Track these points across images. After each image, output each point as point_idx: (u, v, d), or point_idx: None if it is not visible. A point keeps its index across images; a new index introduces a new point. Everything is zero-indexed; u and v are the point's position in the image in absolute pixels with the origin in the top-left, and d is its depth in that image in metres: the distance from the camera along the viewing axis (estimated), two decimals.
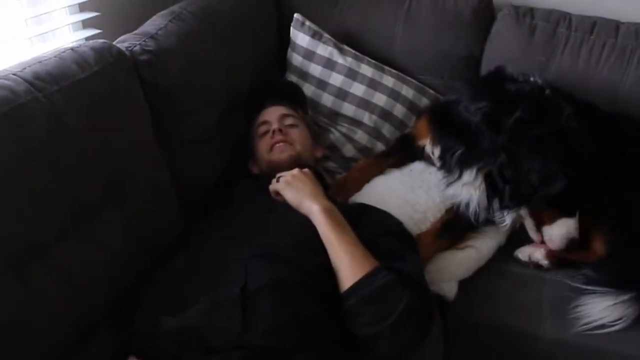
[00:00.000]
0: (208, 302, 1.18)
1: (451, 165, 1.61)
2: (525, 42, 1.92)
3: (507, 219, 1.57)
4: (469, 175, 1.57)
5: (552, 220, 1.57)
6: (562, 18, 1.93)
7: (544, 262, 1.62)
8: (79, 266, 1.28)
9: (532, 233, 1.62)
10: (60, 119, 1.26)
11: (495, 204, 1.57)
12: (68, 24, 1.72)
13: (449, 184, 1.63)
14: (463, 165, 1.58)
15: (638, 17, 1.91)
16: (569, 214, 1.56)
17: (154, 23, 1.66)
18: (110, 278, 1.37)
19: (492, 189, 1.56)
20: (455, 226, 1.64)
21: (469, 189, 1.59)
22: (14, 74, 1.24)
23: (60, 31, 1.72)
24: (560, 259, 1.62)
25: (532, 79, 1.67)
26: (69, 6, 1.71)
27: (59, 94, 1.27)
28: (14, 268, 1.15)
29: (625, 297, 1.49)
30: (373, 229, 1.43)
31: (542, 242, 1.61)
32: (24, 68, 1.28)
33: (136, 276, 1.43)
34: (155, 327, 1.17)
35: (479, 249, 1.64)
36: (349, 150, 1.96)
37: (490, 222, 1.64)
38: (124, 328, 1.26)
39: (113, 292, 1.38)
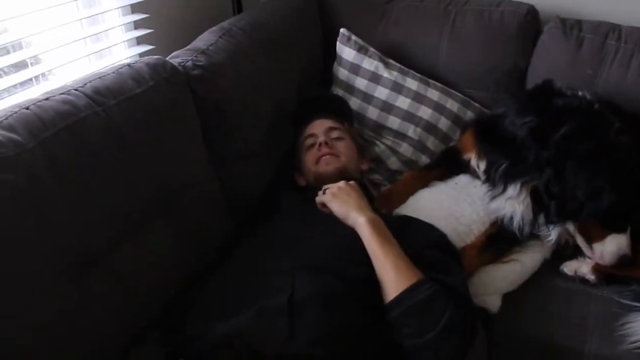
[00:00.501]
0: (256, 310, 1.22)
1: (495, 179, 1.61)
2: (573, 55, 1.89)
3: (553, 234, 1.56)
4: (513, 189, 1.57)
5: (602, 236, 1.53)
6: (611, 30, 1.89)
7: (591, 277, 1.59)
8: (132, 273, 1.34)
9: (585, 249, 1.59)
10: (117, 132, 1.32)
11: (541, 219, 1.56)
12: (124, 41, 1.80)
13: (493, 198, 1.62)
14: (508, 179, 1.58)
15: None
16: (619, 230, 1.52)
17: (205, 39, 1.72)
18: (163, 284, 1.42)
19: (538, 204, 1.55)
20: (500, 240, 1.63)
21: (513, 203, 1.58)
22: (75, 89, 1.32)
23: (116, 48, 1.80)
24: (608, 274, 1.59)
25: (580, 93, 1.66)
26: (124, 24, 1.79)
27: (116, 108, 1.34)
28: (72, 274, 1.20)
29: None
30: (418, 241, 1.45)
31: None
32: (85, 84, 1.35)
33: (187, 282, 1.48)
34: (205, 332, 1.21)
35: (523, 263, 1.63)
36: (393, 163, 1.97)
37: (535, 236, 1.62)
38: (174, 332, 1.31)
39: (165, 297, 1.43)
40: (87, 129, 1.26)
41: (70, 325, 1.18)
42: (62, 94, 1.29)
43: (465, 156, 1.80)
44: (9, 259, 1.07)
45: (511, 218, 1.59)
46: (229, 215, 1.67)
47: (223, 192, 1.65)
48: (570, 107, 1.59)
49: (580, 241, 1.58)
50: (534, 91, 1.77)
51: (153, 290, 1.40)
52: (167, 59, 1.58)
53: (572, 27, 1.92)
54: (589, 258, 1.60)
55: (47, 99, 1.26)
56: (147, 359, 1.33)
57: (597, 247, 1.55)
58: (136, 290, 1.34)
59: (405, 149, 1.97)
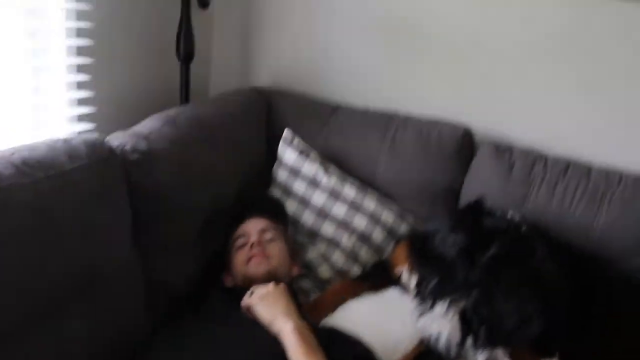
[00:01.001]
0: None
1: (425, 295, 1.59)
2: (504, 177, 1.96)
3: (480, 358, 1.54)
4: (441, 307, 1.55)
5: None
6: (538, 158, 1.99)
7: None
8: None
9: None
10: (42, 207, 1.25)
11: (468, 342, 1.54)
12: (65, 117, 1.75)
13: (420, 315, 1.60)
14: (436, 296, 1.56)
15: (609, 161, 1.98)
16: (549, 355, 1.55)
17: (148, 125, 1.69)
18: None
19: (467, 326, 1.53)
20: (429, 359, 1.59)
21: (439, 322, 1.56)
22: (2, 156, 1.25)
23: (54, 122, 1.74)
24: None
25: (510, 214, 1.70)
26: (67, 100, 1.75)
27: (45, 181, 1.27)
28: None
29: None
30: (343, 354, 1.40)
31: None
32: (13, 153, 1.28)
33: None
34: None
35: None
36: (324, 271, 1.93)
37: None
38: None
39: None
40: (10, 201, 1.18)
41: None
42: None
43: (397, 270, 1.79)
44: None
45: (437, 339, 1.57)
46: (148, 312, 1.58)
47: (145, 284, 1.57)
48: (499, 229, 1.63)
49: None
50: (465, 209, 1.81)
51: None
52: (105, 139, 1.54)
53: (504, 151, 2.01)
54: None
55: None
56: None
57: None
58: None
59: (337, 257, 1.95)
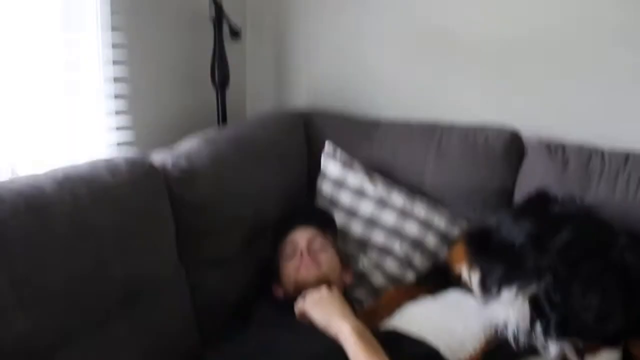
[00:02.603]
0: None
1: (490, 286, 1.51)
2: (559, 175, 1.87)
3: (552, 348, 1.44)
4: (508, 293, 1.47)
5: (596, 349, 1.44)
6: (593, 152, 1.90)
7: None
8: None
9: (572, 357, 1.48)
10: (85, 222, 1.24)
11: (538, 329, 1.45)
12: (104, 144, 1.76)
13: (486, 303, 1.52)
14: (503, 283, 1.49)
15: None
16: (614, 345, 1.45)
17: (187, 144, 1.70)
18: None
19: (537, 312, 1.44)
20: (497, 357, 1.50)
21: (507, 309, 1.47)
22: (44, 174, 1.25)
23: (94, 147, 1.75)
24: None
25: (577, 200, 1.63)
26: (106, 127, 1.76)
27: (87, 197, 1.26)
28: None
29: None
30: (408, 356, 1.32)
31: None
32: (57, 170, 1.28)
33: None
34: None
35: None
36: (378, 279, 1.87)
37: (534, 353, 1.50)
38: None
39: None
40: (53, 214, 1.17)
41: None
42: (29, 177, 1.22)
43: (457, 269, 1.71)
44: None
45: (505, 325, 1.47)
46: (197, 325, 1.54)
47: (192, 299, 1.54)
48: (568, 214, 1.56)
49: (569, 352, 1.47)
50: (528, 200, 1.74)
51: None
52: (146, 156, 1.54)
53: (556, 149, 1.94)
54: None
55: (11, 181, 1.19)
56: None
57: (590, 358, 1.45)
58: None
59: (390, 264, 1.88)
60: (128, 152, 1.78)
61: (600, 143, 1.96)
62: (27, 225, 1.12)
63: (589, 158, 1.89)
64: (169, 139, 1.79)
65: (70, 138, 1.68)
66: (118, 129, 1.80)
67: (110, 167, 1.38)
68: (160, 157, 1.57)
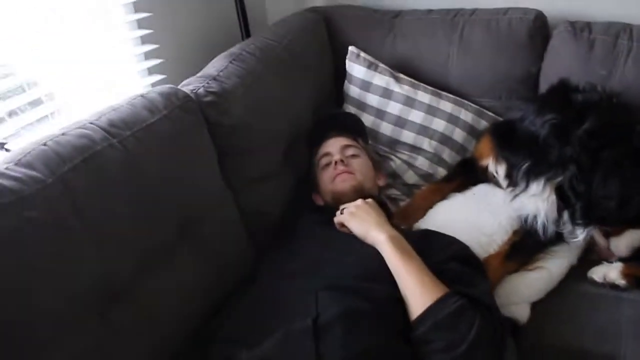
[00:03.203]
0: (281, 335, 1.20)
1: (518, 179, 1.58)
2: (585, 57, 1.87)
3: (579, 234, 1.53)
4: (536, 186, 1.54)
5: (620, 232, 1.55)
6: (622, 30, 1.87)
7: (621, 282, 1.56)
8: (156, 305, 1.33)
9: (601, 241, 1.60)
10: (134, 163, 1.32)
11: (565, 217, 1.53)
12: (136, 72, 1.82)
13: (515, 197, 1.60)
14: (530, 177, 1.55)
15: None
16: (636, 226, 1.54)
17: (215, 65, 1.73)
18: (187, 314, 1.42)
19: (563, 202, 1.52)
20: (524, 247, 1.61)
21: (536, 201, 1.55)
22: (90, 123, 1.32)
23: (128, 79, 1.81)
24: (638, 277, 1.57)
25: (599, 88, 1.64)
26: (136, 55, 1.81)
27: (132, 139, 1.34)
28: (96, 309, 1.20)
29: None
30: (440, 254, 1.43)
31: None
32: (100, 117, 1.35)
33: (211, 311, 1.48)
34: None
35: (549, 270, 1.60)
36: (410, 177, 1.96)
37: (560, 240, 1.61)
38: None
39: (190, 325, 1.43)
40: (104, 162, 1.26)
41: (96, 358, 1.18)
42: (78, 128, 1.29)
43: (483, 162, 1.77)
44: (34, 296, 1.07)
45: (535, 216, 1.57)
46: (249, 240, 1.67)
47: (242, 217, 1.65)
48: (591, 102, 1.57)
49: (597, 235, 1.59)
50: (550, 91, 1.75)
51: (177, 321, 1.39)
52: (179, 87, 1.59)
53: (582, 29, 1.90)
54: (603, 246, 1.62)
55: (63, 134, 1.27)
56: None
57: (614, 241, 1.57)
58: (160, 322, 1.34)
59: (421, 162, 1.97)
60: (159, 80, 1.84)
61: (628, 20, 1.91)
62: (86, 176, 1.22)
63: (617, 36, 1.86)
64: (197, 58, 1.83)
65: (102, 70, 1.73)
66: (147, 56, 1.84)
67: (148, 104, 1.44)
68: (191, 85, 1.62)
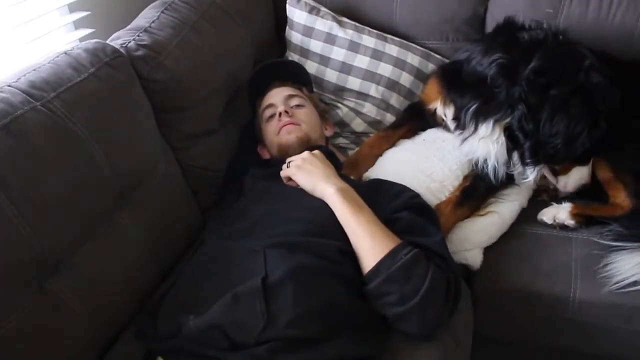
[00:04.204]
0: (229, 298, 1.15)
1: (466, 122, 1.56)
2: None
3: (530, 174, 1.53)
4: (485, 128, 1.52)
5: (568, 169, 1.56)
6: None
7: (570, 222, 1.58)
8: (100, 274, 1.28)
9: (550, 178, 1.61)
10: (62, 127, 1.23)
11: (515, 157, 1.53)
12: (60, 26, 1.68)
13: (464, 140, 1.57)
14: (479, 118, 1.53)
15: None
16: (583, 163, 1.55)
17: (146, 16, 1.64)
18: (133, 280, 1.36)
19: (513, 142, 1.51)
20: (475, 192, 1.59)
21: (486, 143, 1.53)
22: (9, 85, 1.22)
23: (52, 34, 1.68)
24: (586, 216, 1.58)
25: (545, 25, 1.61)
26: (58, 8, 1.67)
27: (57, 100, 1.25)
28: (35, 284, 1.14)
29: None
30: (390, 204, 1.40)
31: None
32: (19, 78, 1.25)
33: (158, 277, 1.43)
34: (178, 328, 1.15)
35: (501, 214, 1.60)
36: (358, 125, 1.92)
37: (510, 182, 1.61)
38: (148, 330, 1.24)
39: (137, 294, 1.38)
40: (27, 128, 1.17)
41: (40, 335, 1.13)
42: None
43: (431, 106, 1.74)
44: None
45: (485, 160, 1.55)
46: (194, 199, 1.61)
47: (185, 175, 1.59)
48: (537, 40, 1.55)
49: (547, 172, 1.59)
50: (497, 30, 1.71)
51: (124, 287, 1.34)
52: (107, 41, 1.49)
53: None
54: (552, 184, 1.63)
55: None
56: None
57: (562, 179, 1.58)
58: (106, 289, 1.29)
59: (368, 109, 1.92)
60: (88, 37, 1.71)
61: None
62: (6, 144, 1.12)
63: None
64: (127, 12, 1.71)
65: (24, 24, 1.60)
66: (71, 8, 1.71)
67: (72, 62, 1.34)
68: (121, 39, 1.52)
